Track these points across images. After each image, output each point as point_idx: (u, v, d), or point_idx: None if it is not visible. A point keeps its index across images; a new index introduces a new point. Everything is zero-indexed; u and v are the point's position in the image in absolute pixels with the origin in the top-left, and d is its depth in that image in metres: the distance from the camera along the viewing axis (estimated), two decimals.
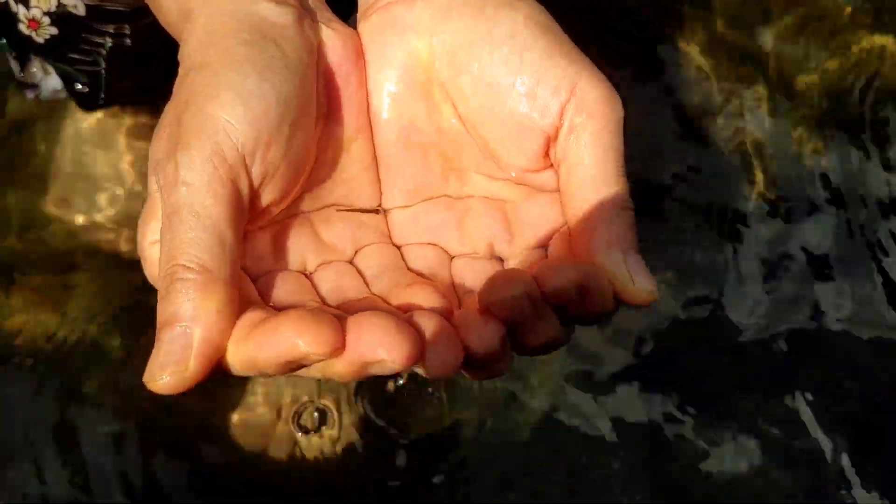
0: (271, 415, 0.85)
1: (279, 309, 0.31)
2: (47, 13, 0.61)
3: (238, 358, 0.29)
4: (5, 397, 0.86)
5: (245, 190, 0.31)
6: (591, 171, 0.33)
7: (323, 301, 0.33)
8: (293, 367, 0.29)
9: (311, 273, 0.34)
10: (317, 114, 0.34)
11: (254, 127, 0.31)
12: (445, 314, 0.30)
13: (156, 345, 0.29)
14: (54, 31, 0.63)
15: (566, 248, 0.34)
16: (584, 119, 0.33)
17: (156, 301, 0.31)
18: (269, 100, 0.32)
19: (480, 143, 0.36)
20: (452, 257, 0.36)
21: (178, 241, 0.29)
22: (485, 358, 0.29)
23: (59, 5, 0.61)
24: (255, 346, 0.28)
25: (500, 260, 0.36)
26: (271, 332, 0.28)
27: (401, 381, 0.87)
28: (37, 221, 0.91)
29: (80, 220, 0.90)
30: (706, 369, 0.95)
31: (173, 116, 0.32)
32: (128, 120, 0.86)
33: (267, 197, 0.32)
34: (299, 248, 0.35)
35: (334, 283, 0.34)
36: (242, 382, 0.85)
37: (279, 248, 0.34)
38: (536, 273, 0.30)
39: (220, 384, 0.85)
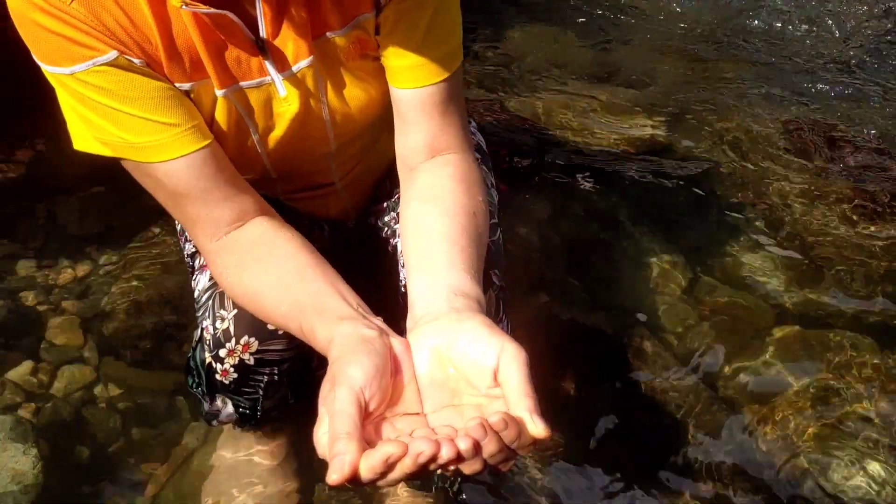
0: None
1: None
2: (233, 366, 1.07)
3: (363, 467, 0.67)
4: None
5: (363, 403, 0.72)
6: (514, 384, 0.74)
7: None
8: (388, 467, 0.67)
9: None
10: (390, 373, 0.77)
11: (365, 377, 0.73)
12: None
13: (330, 465, 0.68)
14: (235, 376, 1.08)
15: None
16: (508, 360, 0.75)
17: None
18: (369, 367, 0.74)
19: (465, 379, 0.77)
20: (457, 430, 0.75)
21: (338, 424, 0.70)
22: (467, 454, 0.67)
23: (240, 360, 1.07)
24: (371, 456, 0.67)
25: None
26: (378, 448, 0.67)
27: None
28: None
29: None
30: None
31: (330, 376, 0.74)
32: (276, 441, 1.29)
33: (371, 406, 0.73)
34: (387, 432, 0.74)
35: None
36: None
37: (377, 432, 0.74)
38: (488, 416, 0.69)
39: None
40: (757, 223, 1.90)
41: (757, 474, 1.38)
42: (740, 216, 1.92)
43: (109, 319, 1.57)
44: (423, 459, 0.66)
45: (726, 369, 1.55)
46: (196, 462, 1.37)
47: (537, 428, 0.71)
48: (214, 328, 1.06)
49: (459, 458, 0.67)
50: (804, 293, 1.71)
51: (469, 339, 0.77)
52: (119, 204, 1.77)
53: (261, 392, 1.12)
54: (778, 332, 1.61)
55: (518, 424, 0.70)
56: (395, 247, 1.19)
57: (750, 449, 1.42)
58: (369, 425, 0.74)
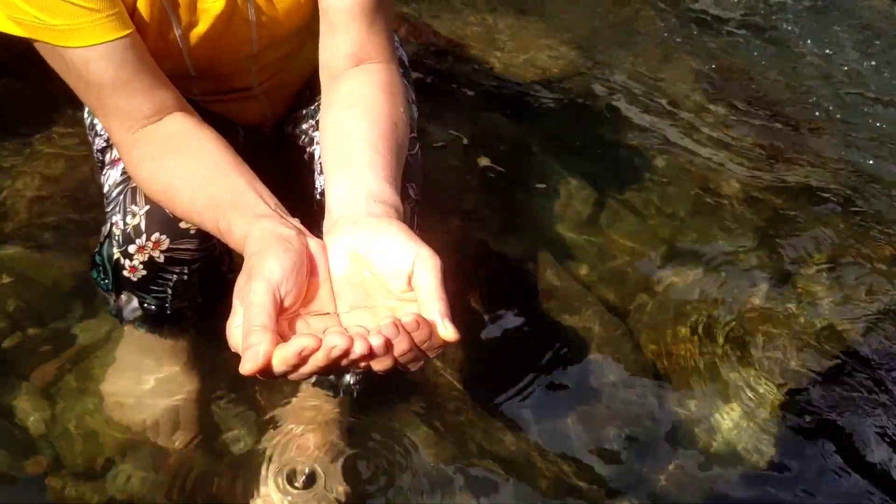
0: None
1: None
2: (142, 263, 1.07)
3: (277, 359, 0.69)
4: None
5: (278, 298, 0.73)
6: (427, 288, 0.76)
7: None
8: (301, 360, 0.69)
9: None
10: (306, 271, 0.78)
11: (282, 272, 0.74)
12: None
13: (243, 355, 0.69)
14: (144, 273, 1.08)
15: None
16: (423, 265, 0.77)
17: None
18: (286, 263, 0.75)
19: (380, 282, 0.79)
20: (370, 330, 0.78)
21: (253, 316, 0.71)
22: (379, 351, 0.70)
23: (149, 258, 1.06)
24: (285, 348, 0.69)
25: None
26: (292, 341, 0.69)
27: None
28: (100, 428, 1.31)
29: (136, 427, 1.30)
30: None
31: (246, 269, 0.75)
32: (181, 343, 1.29)
33: (286, 302, 0.75)
34: (301, 328, 0.76)
35: None
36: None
37: (291, 328, 0.76)
38: (401, 317, 0.72)
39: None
40: (661, 157, 1.97)
41: (647, 399, 1.47)
42: (646, 149, 2.00)
43: (10, 215, 1.52)
44: (335, 353, 0.69)
45: (627, 299, 1.63)
46: (94, 360, 1.36)
47: (447, 331, 0.74)
48: (125, 223, 1.05)
49: (371, 354, 0.70)
50: (700, 228, 1.80)
51: (386, 244, 0.79)
52: (22, 96, 1.68)
53: (169, 291, 1.12)
54: (672, 266, 1.70)
55: (429, 326, 0.73)
56: (311, 155, 1.19)
57: (646, 377, 1.51)
58: (283, 321, 0.75)
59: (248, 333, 0.70)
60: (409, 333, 0.72)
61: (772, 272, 1.72)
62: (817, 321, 1.62)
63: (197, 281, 1.13)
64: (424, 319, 0.73)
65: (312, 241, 0.81)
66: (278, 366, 0.69)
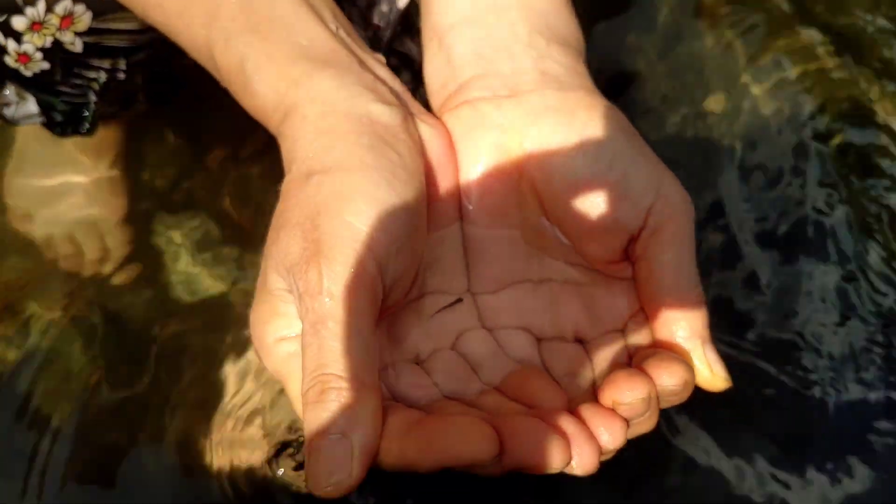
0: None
1: (410, 402, 0.34)
2: (41, 49, 0.59)
3: (394, 457, 0.31)
4: None
5: (380, 296, 0.33)
6: (671, 268, 0.37)
7: (440, 390, 0.36)
8: (442, 460, 0.31)
9: (422, 361, 0.37)
10: (424, 217, 0.37)
11: (388, 236, 0.33)
12: (569, 409, 0.33)
13: (314, 453, 0.30)
14: (46, 66, 0.61)
15: (644, 335, 0.38)
16: (666, 220, 0.37)
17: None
18: (398, 208, 0.34)
19: (564, 236, 0.39)
20: (540, 340, 0.39)
21: (328, 350, 0.31)
22: (610, 454, 0.33)
23: (56, 42, 0.59)
24: (418, 451, 0.30)
25: (581, 343, 0.39)
26: (435, 439, 0.30)
27: None
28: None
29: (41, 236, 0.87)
30: None
31: (305, 217, 0.33)
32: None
33: (392, 298, 0.34)
34: (411, 338, 0.37)
35: (446, 373, 0.36)
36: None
37: (394, 340, 0.37)
38: (651, 372, 0.34)
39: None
40: None
41: None
42: None
43: None
44: (532, 472, 0.31)
45: None
46: None
47: (718, 375, 0.37)
48: None
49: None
50: None
51: (590, 160, 0.37)
52: None
53: (93, 97, 0.65)
54: None
55: (688, 372, 0.35)
56: None
57: None
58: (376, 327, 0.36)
59: (321, 395, 0.31)
60: (670, 395, 0.34)
61: None
62: None
63: (141, 80, 0.66)
64: (681, 364, 0.34)
65: (431, 134, 0.38)
66: (393, 465, 0.32)
